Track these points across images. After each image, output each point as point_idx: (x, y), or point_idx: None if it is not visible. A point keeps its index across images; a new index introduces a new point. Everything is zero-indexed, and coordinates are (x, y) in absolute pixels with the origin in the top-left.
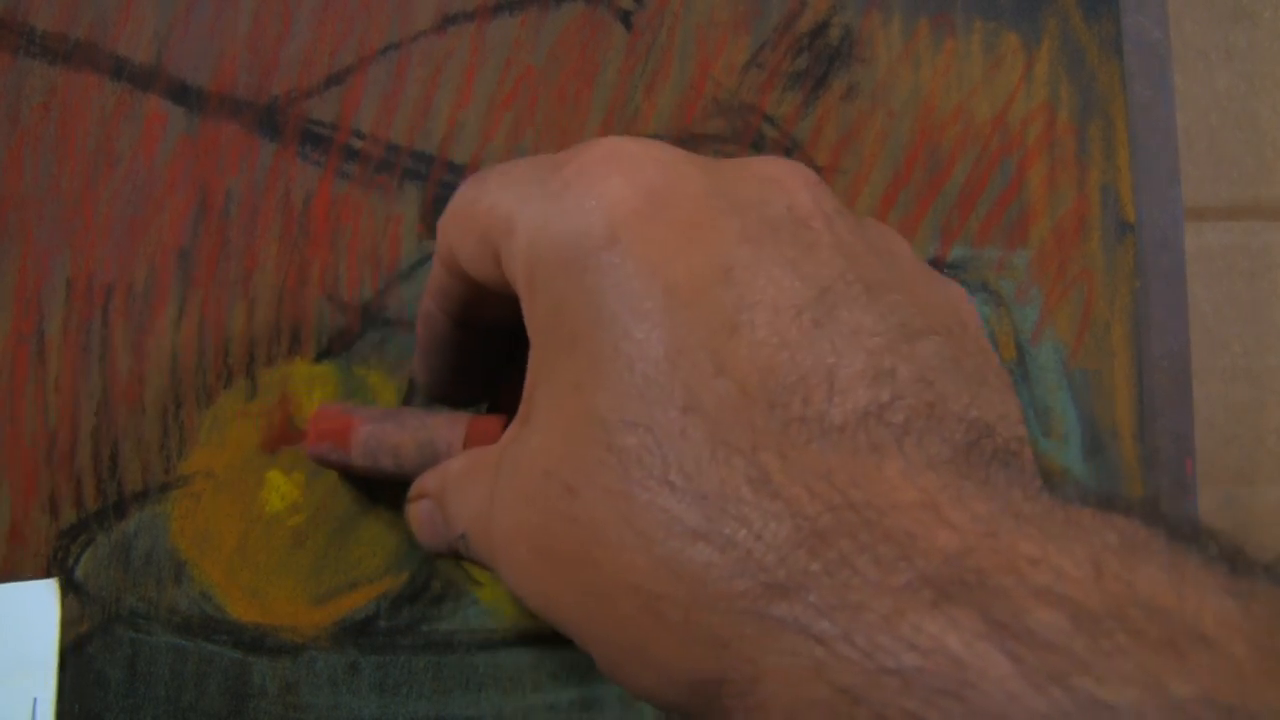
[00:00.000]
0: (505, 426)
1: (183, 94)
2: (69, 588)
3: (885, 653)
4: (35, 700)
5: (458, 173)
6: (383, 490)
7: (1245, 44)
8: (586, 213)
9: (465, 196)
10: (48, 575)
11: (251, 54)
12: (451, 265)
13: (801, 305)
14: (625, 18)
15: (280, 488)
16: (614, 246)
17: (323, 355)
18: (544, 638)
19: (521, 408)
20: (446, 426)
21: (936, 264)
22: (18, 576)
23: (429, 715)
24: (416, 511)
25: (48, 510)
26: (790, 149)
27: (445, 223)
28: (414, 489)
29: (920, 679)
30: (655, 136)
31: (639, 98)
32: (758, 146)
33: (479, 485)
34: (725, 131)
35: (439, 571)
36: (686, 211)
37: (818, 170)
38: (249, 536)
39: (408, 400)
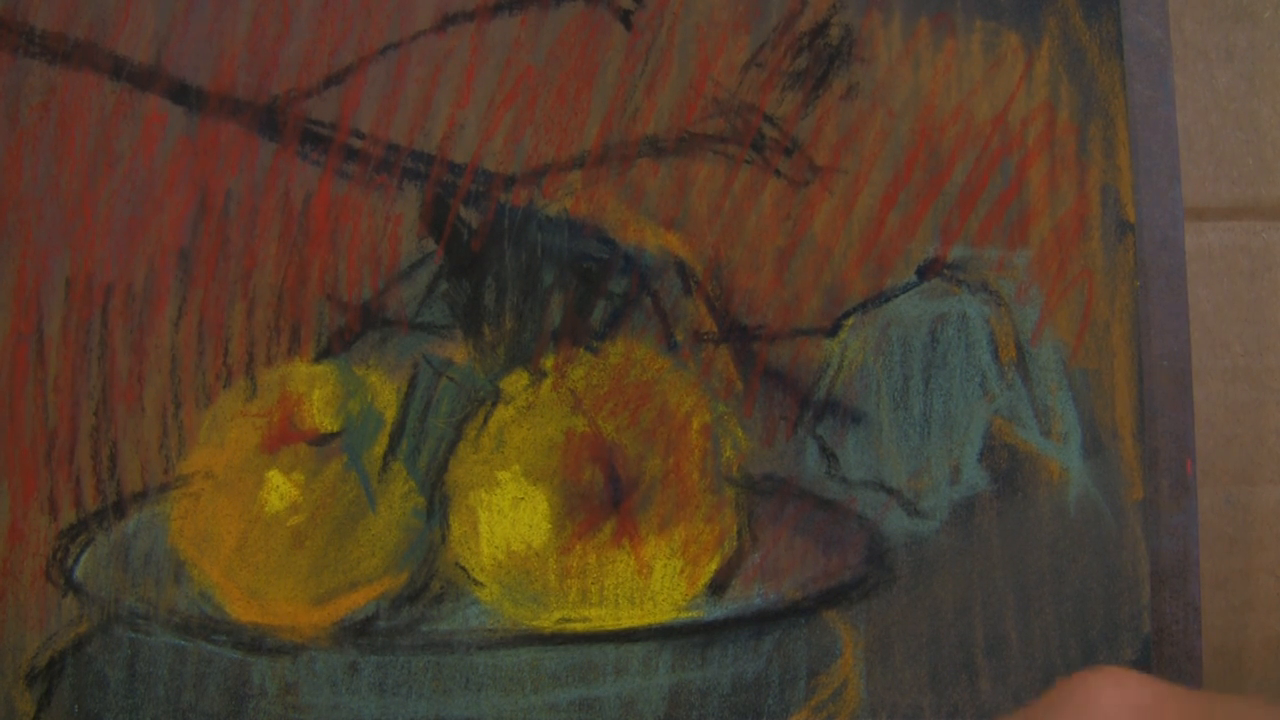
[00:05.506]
0: None
1: (182, 94)
2: (69, 588)
3: None
4: None
5: (458, 172)
6: (382, 490)
7: (1245, 44)
8: None
9: None
10: (47, 575)
11: (251, 54)
12: None
13: None
14: (625, 18)
15: (280, 488)
16: None
17: (322, 355)
18: (544, 638)
19: None
20: None
21: (936, 264)
22: (18, 576)
23: (429, 715)
24: None
25: (47, 510)
26: (790, 148)
27: None
28: None
29: None
30: (654, 136)
31: (639, 98)
32: (758, 146)
33: None
34: (725, 131)
35: (439, 571)
36: None
37: (817, 170)
38: (248, 537)
39: (407, 399)
